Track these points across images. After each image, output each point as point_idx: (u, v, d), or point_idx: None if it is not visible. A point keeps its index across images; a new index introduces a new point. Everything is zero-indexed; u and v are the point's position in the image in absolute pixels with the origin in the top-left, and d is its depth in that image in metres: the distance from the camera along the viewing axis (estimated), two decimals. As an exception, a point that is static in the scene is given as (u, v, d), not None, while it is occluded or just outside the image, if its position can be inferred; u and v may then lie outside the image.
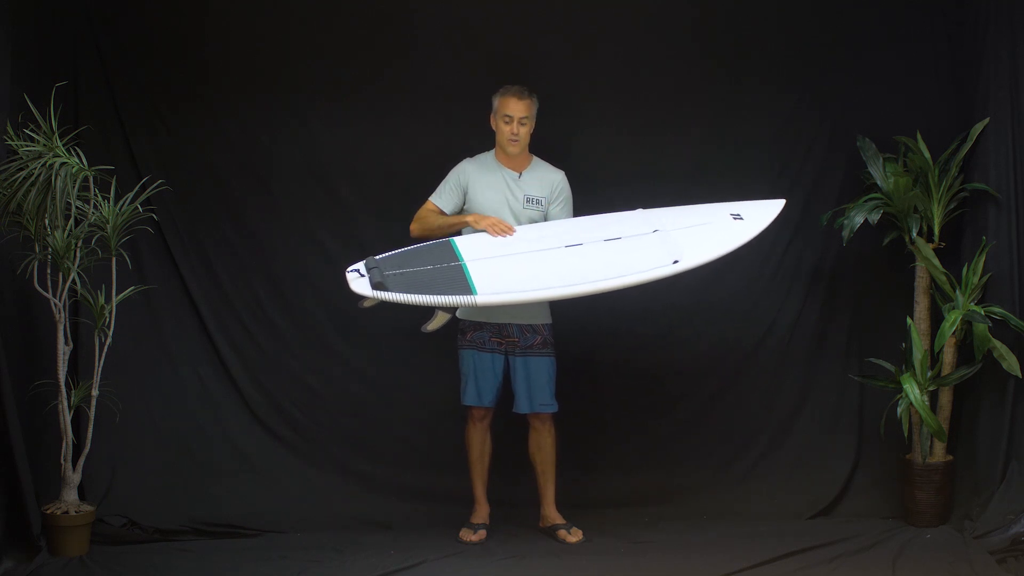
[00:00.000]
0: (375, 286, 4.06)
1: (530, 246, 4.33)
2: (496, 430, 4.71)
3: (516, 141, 4.53)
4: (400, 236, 4.94)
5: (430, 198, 4.60)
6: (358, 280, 4.13)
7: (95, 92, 4.86)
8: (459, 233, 4.52)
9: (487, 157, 4.64)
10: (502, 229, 4.41)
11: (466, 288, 4.13)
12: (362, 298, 4.15)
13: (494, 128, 4.58)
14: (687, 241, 4.33)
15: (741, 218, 4.43)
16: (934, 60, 4.95)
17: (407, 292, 4.07)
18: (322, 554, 4.39)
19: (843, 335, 5.04)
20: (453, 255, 4.27)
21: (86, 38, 4.85)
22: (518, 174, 4.59)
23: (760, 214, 4.44)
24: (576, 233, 4.39)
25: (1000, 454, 4.56)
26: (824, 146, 5.02)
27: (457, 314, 4.59)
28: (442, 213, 4.59)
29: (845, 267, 5.02)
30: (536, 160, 4.64)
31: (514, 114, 4.51)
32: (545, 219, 4.58)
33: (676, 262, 4.24)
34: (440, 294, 4.09)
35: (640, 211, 4.53)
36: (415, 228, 4.57)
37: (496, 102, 4.55)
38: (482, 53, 4.97)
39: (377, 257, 4.21)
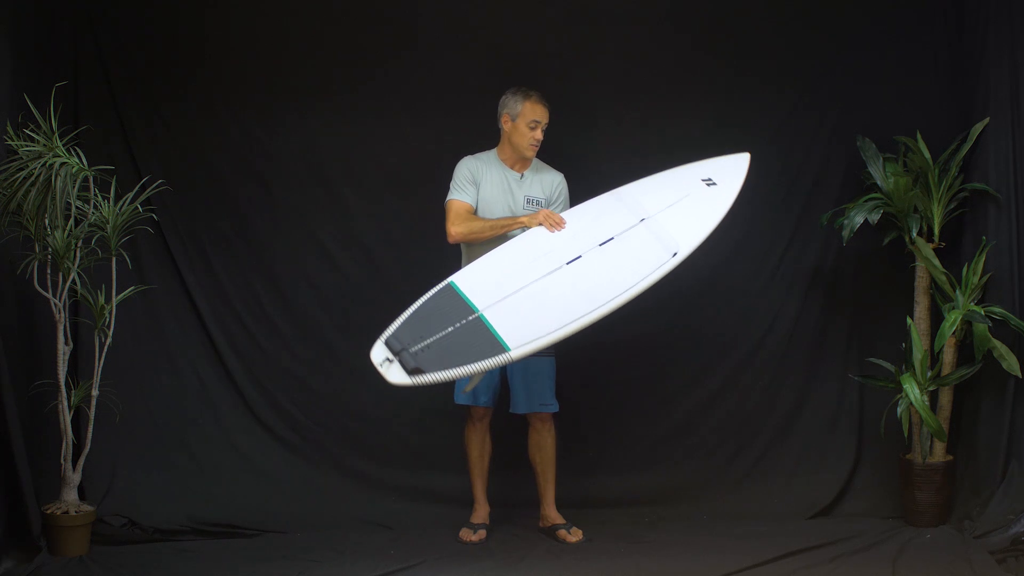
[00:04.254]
0: (412, 372, 3.90)
1: (534, 273, 4.21)
2: (496, 430, 4.71)
3: (537, 146, 4.53)
4: (400, 236, 4.97)
5: (455, 197, 4.51)
6: (391, 368, 3.91)
7: (95, 92, 4.86)
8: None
9: (489, 156, 4.61)
10: (555, 222, 4.36)
11: (496, 345, 3.99)
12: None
13: (507, 129, 4.54)
14: (674, 224, 4.33)
15: (714, 183, 4.43)
16: (934, 60, 4.96)
17: (444, 369, 3.91)
18: (322, 554, 4.40)
19: (843, 335, 5.04)
20: (464, 304, 4.07)
21: (86, 38, 4.85)
22: (520, 175, 4.59)
23: (730, 175, 4.45)
24: (568, 242, 4.32)
25: (1000, 454, 4.56)
26: (824, 146, 5.02)
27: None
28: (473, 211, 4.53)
29: (845, 267, 5.02)
30: (536, 161, 4.64)
31: (542, 119, 4.50)
32: None
33: (675, 254, 4.25)
34: (476, 360, 3.95)
35: (614, 194, 4.48)
36: (458, 231, 4.46)
37: (519, 105, 4.50)
38: (482, 53, 4.96)
39: (392, 331, 3.96)
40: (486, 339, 3.99)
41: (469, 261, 4.53)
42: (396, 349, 3.91)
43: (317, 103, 5.00)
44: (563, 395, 4.69)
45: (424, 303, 4.05)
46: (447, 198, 4.53)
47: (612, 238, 4.31)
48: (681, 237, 4.29)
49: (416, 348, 3.92)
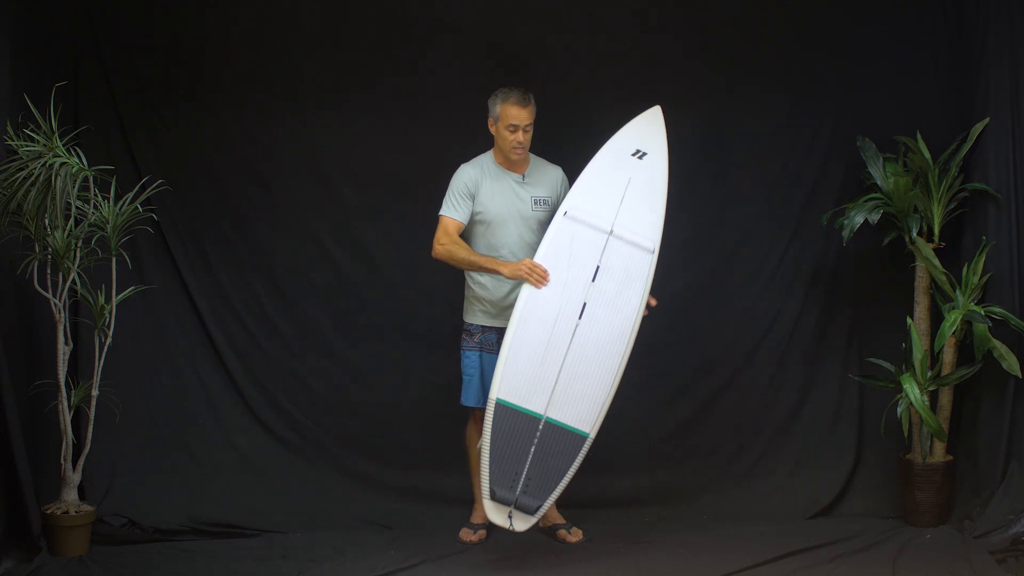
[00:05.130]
0: (535, 511, 4.18)
1: (559, 346, 4.26)
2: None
3: (521, 149, 4.46)
4: (398, 236, 4.96)
5: (445, 214, 4.47)
6: (518, 521, 4.18)
7: (95, 92, 4.86)
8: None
9: (486, 160, 4.56)
10: (540, 276, 4.29)
11: (576, 437, 4.23)
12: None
13: (493, 133, 4.50)
14: (636, 219, 4.37)
15: (644, 152, 4.45)
16: (934, 60, 4.96)
17: (553, 489, 4.19)
18: (322, 554, 4.40)
19: (843, 335, 5.04)
20: (526, 416, 4.20)
21: (86, 38, 4.85)
22: (522, 176, 4.55)
23: (653, 137, 4.45)
24: (566, 293, 4.30)
25: (1000, 454, 4.56)
26: (824, 146, 5.02)
27: (464, 317, 4.58)
28: (464, 235, 4.50)
29: (845, 267, 5.02)
30: (534, 158, 4.60)
31: (519, 122, 4.41)
32: (550, 217, 4.49)
33: (653, 250, 4.34)
34: (570, 462, 4.21)
35: (565, 216, 4.37)
36: (441, 252, 4.44)
37: (497, 108, 4.45)
38: (482, 53, 4.96)
39: (489, 482, 4.14)
40: (564, 437, 4.22)
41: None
42: (508, 500, 4.15)
43: (317, 103, 5.00)
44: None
45: (493, 436, 4.18)
46: (440, 211, 4.49)
47: (598, 267, 4.33)
48: (648, 230, 4.36)
49: (520, 486, 4.16)
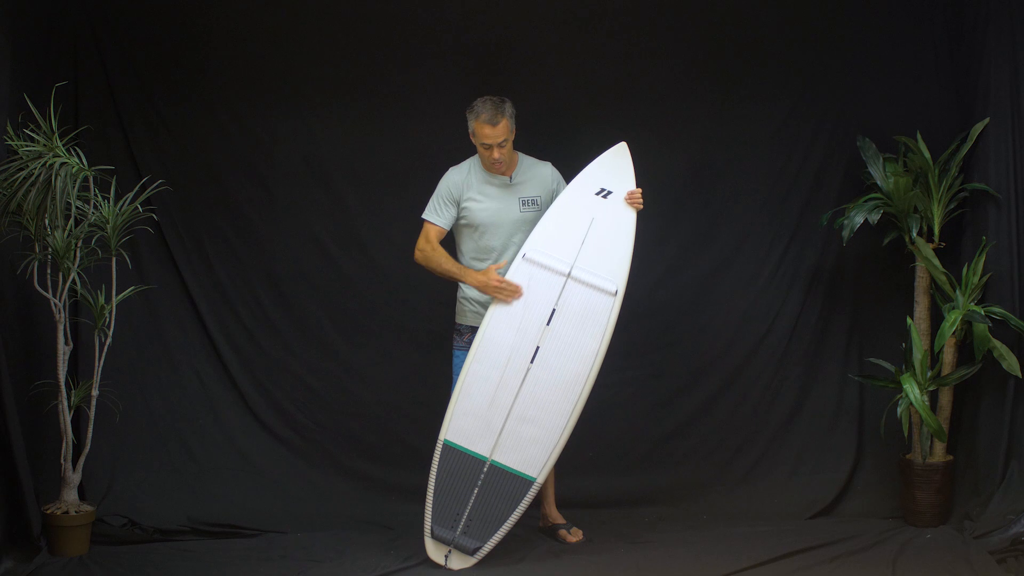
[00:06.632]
0: (474, 552, 4.20)
1: (508, 390, 4.25)
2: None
3: (500, 164, 4.39)
4: (398, 236, 4.95)
5: (428, 219, 4.46)
6: (454, 559, 4.21)
7: (95, 92, 4.86)
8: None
9: (473, 164, 4.51)
10: (511, 291, 4.28)
11: (521, 481, 4.23)
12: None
13: (474, 143, 4.43)
14: (598, 261, 4.30)
15: (608, 191, 4.36)
16: (934, 60, 4.96)
17: (495, 531, 4.20)
18: (322, 554, 4.40)
19: (843, 335, 5.04)
20: (471, 458, 4.23)
21: (86, 38, 4.85)
22: (509, 177, 4.50)
23: (619, 175, 4.36)
24: (519, 335, 4.28)
25: (1000, 454, 4.56)
26: (824, 146, 5.02)
27: (456, 319, 4.58)
28: (454, 237, 4.50)
29: (845, 267, 5.02)
30: (522, 157, 4.54)
31: (491, 141, 4.33)
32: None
33: (616, 292, 4.29)
34: (515, 505, 4.21)
35: (524, 259, 4.32)
36: (419, 258, 4.45)
37: (471, 124, 4.37)
38: (482, 53, 4.96)
39: (430, 521, 4.20)
40: (510, 480, 4.23)
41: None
42: (448, 539, 4.19)
43: (317, 103, 5.00)
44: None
45: (438, 477, 4.23)
46: (424, 213, 4.47)
47: (554, 310, 4.29)
48: (612, 271, 4.30)
49: (461, 527, 4.19)
